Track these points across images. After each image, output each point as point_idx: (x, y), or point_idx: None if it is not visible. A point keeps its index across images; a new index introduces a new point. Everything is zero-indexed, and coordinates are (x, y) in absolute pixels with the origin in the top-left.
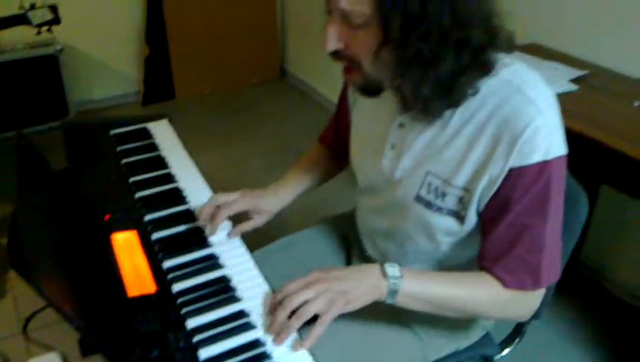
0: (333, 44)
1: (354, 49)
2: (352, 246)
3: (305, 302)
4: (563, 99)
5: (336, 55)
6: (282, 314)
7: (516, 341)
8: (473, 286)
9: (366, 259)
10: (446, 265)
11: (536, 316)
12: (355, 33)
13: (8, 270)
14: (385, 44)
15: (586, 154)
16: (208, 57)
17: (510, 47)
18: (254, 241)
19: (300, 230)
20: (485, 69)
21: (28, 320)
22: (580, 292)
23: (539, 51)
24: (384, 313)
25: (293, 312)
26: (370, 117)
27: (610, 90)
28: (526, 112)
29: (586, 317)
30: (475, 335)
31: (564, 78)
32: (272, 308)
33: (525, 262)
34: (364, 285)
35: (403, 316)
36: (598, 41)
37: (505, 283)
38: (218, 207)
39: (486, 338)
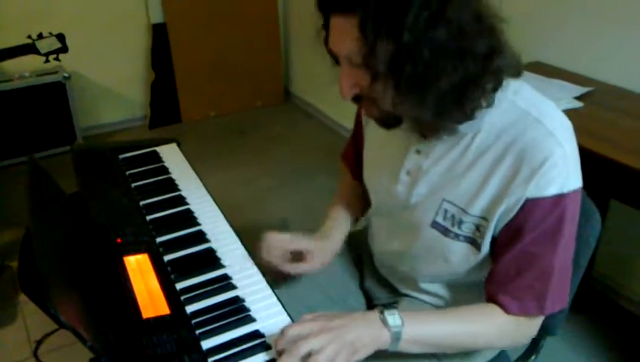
0: (348, 92)
1: (368, 90)
2: (365, 264)
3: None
4: (568, 116)
5: (355, 99)
6: (289, 361)
7: (532, 358)
8: (474, 321)
9: (379, 278)
10: (459, 284)
11: (552, 333)
12: (362, 74)
13: (19, 294)
14: (377, 78)
15: (594, 170)
16: (213, 81)
17: (518, 71)
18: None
19: None
20: (497, 78)
21: (38, 343)
22: (594, 308)
23: (542, 69)
24: None
25: None
26: (383, 139)
27: (616, 106)
28: (545, 144)
29: (600, 332)
30: (490, 353)
31: (568, 95)
32: (278, 352)
33: (532, 289)
34: (366, 335)
35: None
36: (601, 57)
37: (508, 309)
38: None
39: (501, 356)
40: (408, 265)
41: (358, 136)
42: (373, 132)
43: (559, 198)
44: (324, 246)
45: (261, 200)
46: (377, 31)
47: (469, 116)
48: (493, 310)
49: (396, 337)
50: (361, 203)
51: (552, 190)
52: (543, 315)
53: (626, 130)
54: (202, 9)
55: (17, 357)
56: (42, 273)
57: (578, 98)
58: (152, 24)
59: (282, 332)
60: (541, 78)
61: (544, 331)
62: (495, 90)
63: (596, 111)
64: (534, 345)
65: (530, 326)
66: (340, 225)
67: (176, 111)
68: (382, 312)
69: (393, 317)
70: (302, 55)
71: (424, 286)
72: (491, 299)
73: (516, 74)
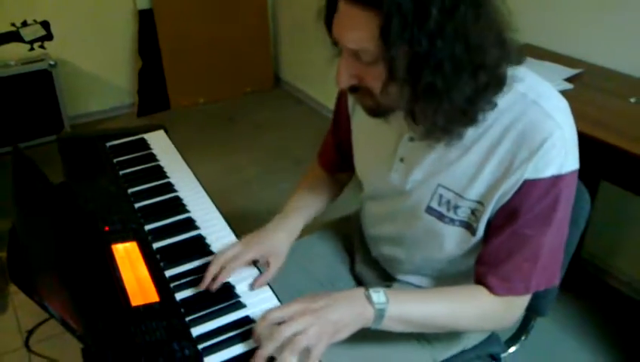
0: (346, 81)
1: (367, 82)
2: (356, 249)
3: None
4: None
5: (351, 89)
6: (271, 345)
7: (522, 338)
8: (459, 301)
9: (370, 262)
10: (451, 268)
11: (542, 313)
12: (367, 69)
13: (9, 284)
14: (393, 81)
15: (584, 152)
16: (202, 68)
17: (520, 59)
18: None
19: (304, 235)
20: (501, 83)
21: (30, 333)
22: (583, 288)
23: (532, 52)
24: None
25: None
26: (373, 126)
27: (605, 87)
28: (544, 126)
29: (590, 312)
30: (481, 334)
31: (558, 77)
32: (257, 338)
33: (520, 270)
34: (350, 313)
35: None
36: (590, 39)
37: (495, 290)
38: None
39: (492, 337)
40: (402, 250)
41: (341, 126)
42: (360, 119)
43: (556, 179)
44: (274, 243)
45: (250, 186)
46: (400, 35)
47: (474, 120)
48: (480, 291)
49: (380, 314)
50: (326, 192)
51: (549, 171)
52: (529, 294)
53: (615, 111)
54: None
55: (8, 347)
56: (29, 264)
57: (568, 80)
58: (139, 10)
59: (264, 316)
60: (530, 61)
61: (534, 312)
62: (497, 93)
63: (586, 93)
64: (524, 326)
65: (515, 308)
66: (293, 215)
67: (165, 99)
68: (367, 289)
69: (378, 295)
70: (292, 40)
71: (416, 270)
72: (480, 280)
73: (518, 62)
